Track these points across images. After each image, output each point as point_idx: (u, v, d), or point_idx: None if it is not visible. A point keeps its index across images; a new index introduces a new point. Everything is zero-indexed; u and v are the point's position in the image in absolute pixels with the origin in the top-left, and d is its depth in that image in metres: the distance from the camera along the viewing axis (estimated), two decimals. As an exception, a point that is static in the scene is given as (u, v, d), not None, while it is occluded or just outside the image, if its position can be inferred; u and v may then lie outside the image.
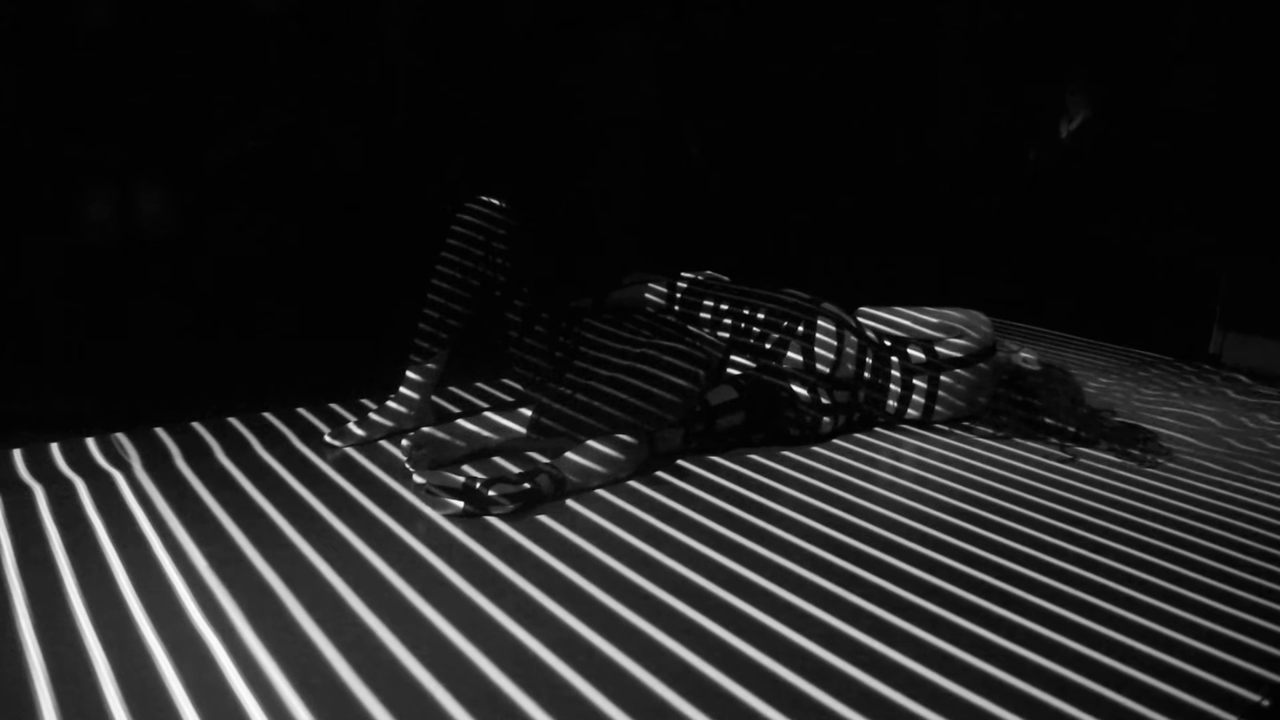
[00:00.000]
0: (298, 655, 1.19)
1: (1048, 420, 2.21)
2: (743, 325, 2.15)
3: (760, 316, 2.14)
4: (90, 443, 1.86)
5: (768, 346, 2.11)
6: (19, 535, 1.46)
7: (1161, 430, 2.30)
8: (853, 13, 4.07)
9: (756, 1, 3.83)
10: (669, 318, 2.17)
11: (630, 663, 1.21)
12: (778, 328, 2.12)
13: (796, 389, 2.08)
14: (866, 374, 2.16)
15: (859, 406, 2.18)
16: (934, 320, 2.23)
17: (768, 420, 2.04)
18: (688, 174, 3.69)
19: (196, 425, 1.99)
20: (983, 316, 2.27)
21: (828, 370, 2.11)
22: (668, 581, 1.43)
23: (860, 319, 2.26)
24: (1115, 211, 3.77)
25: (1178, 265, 3.47)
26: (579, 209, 3.42)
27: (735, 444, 2.02)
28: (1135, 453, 2.12)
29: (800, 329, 2.12)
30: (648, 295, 2.23)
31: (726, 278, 2.32)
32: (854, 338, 2.15)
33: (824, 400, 2.10)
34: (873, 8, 4.12)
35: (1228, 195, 3.39)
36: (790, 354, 2.10)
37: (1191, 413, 2.52)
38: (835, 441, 2.12)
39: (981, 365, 2.21)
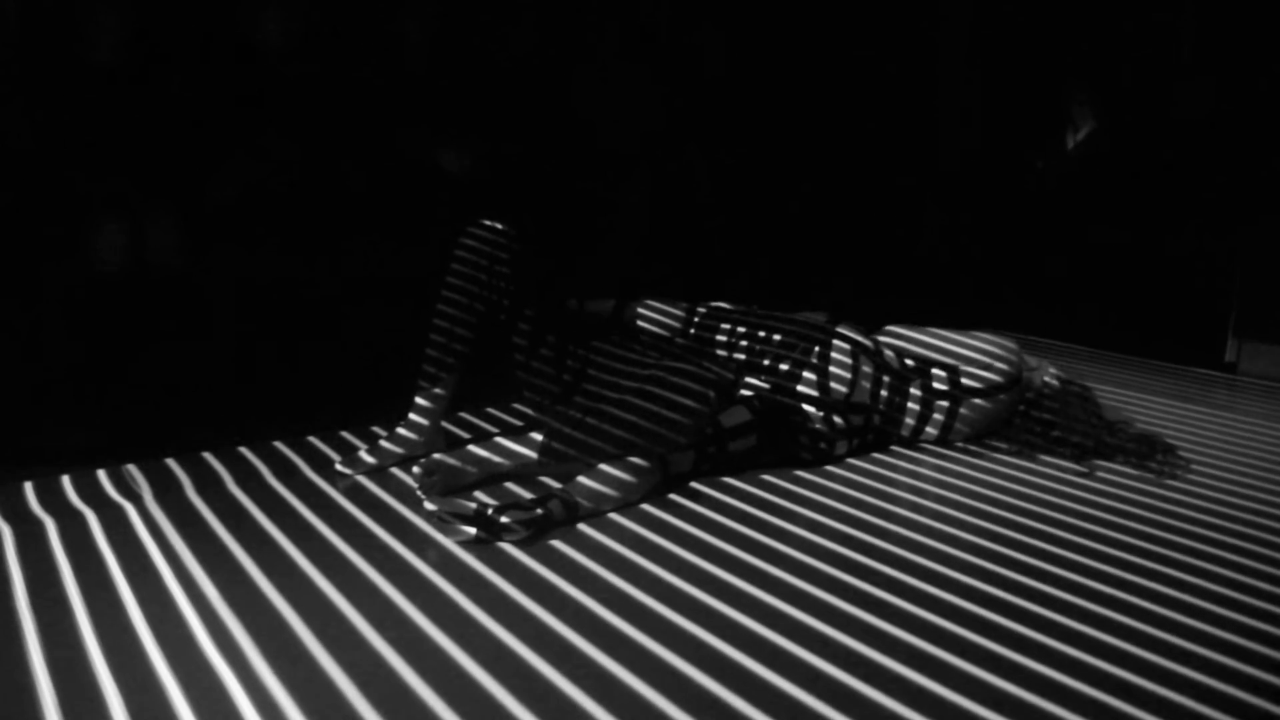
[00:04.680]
0: (310, 684, 1.17)
1: (1065, 438, 2.18)
2: (757, 348, 2.13)
3: (776, 338, 2.13)
4: (101, 474, 1.86)
5: (783, 368, 2.10)
6: (30, 568, 1.46)
7: (1180, 442, 2.27)
8: (852, 31, 4.08)
9: (757, 31, 3.85)
10: (680, 340, 2.17)
11: (646, 688, 1.20)
12: (793, 350, 2.11)
13: (810, 411, 2.07)
14: (883, 395, 2.14)
15: (874, 428, 2.16)
16: (963, 348, 2.20)
17: (781, 443, 2.03)
18: (696, 198, 3.69)
19: (207, 455, 1.99)
20: (1012, 345, 2.23)
21: (844, 392, 2.09)
22: (683, 605, 1.42)
23: (885, 337, 2.24)
24: (1124, 218, 3.75)
25: (1191, 270, 3.45)
26: (588, 232, 3.43)
27: (748, 466, 2.01)
28: (1154, 465, 2.10)
29: (816, 350, 2.10)
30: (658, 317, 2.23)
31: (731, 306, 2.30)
32: (870, 362, 2.12)
33: (838, 422, 2.08)
34: (872, 22, 4.13)
35: (1235, 199, 3.37)
36: (805, 374, 2.09)
37: (1210, 422, 2.50)
38: (851, 461, 2.11)
39: (1003, 396, 2.18)
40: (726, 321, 2.20)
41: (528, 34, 3.37)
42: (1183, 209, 3.60)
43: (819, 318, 2.20)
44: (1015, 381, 2.19)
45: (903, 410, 2.16)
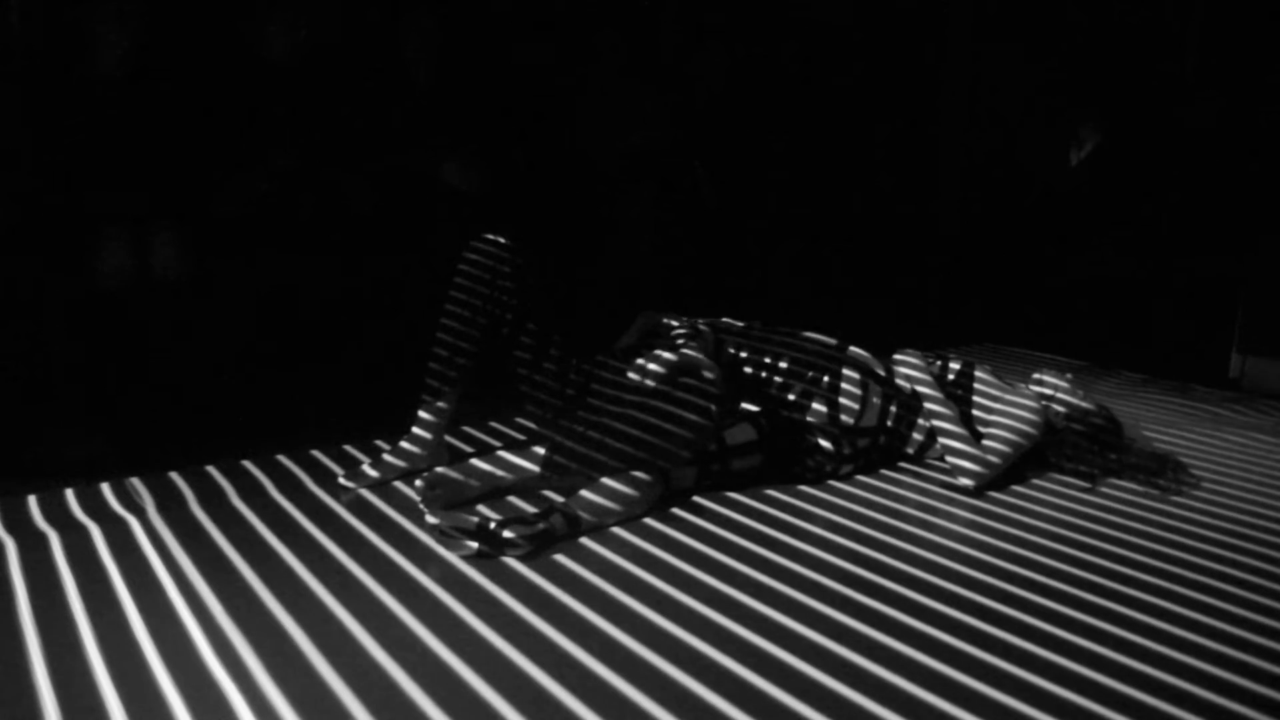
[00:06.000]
0: (313, 699, 1.17)
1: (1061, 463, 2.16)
2: (764, 374, 2.09)
3: (783, 365, 2.10)
4: (105, 488, 1.86)
5: (791, 397, 2.07)
6: (35, 582, 1.46)
7: (1186, 458, 2.26)
8: (853, 45, 4.10)
9: (756, 46, 3.88)
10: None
11: (650, 702, 1.19)
12: (802, 378, 2.07)
13: (819, 438, 2.04)
14: (891, 411, 2.11)
15: (880, 447, 2.14)
16: (990, 414, 2.14)
17: (786, 463, 2.02)
18: (700, 212, 3.70)
19: (210, 469, 1.99)
20: (1038, 415, 2.12)
21: (851, 421, 2.06)
22: (684, 618, 1.41)
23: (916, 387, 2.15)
24: (1127, 235, 3.75)
25: (1195, 287, 3.44)
26: (591, 247, 3.44)
27: (751, 484, 2.00)
28: (1161, 482, 2.08)
29: (826, 379, 2.06)
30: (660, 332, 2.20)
31: (740, 323, 2.27)
32: (878, 388, 2.10)
33: (845, 450, 2.06)
34: (874, 38, 4.15)
35: (1240, 214, 3.37)
36: (815, 404, 2.06)
37: (1219, 438, 2.49)
38: (857, 476, 2.09)
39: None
40: (733, 340, 2.15)
41: (531, 47, 3.39)
42: (1186, 224, 3.60)
43: (827, 340, 2.16)
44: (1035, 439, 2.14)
45: (911, 427, 2.14)
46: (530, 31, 3.38)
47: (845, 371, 2.08)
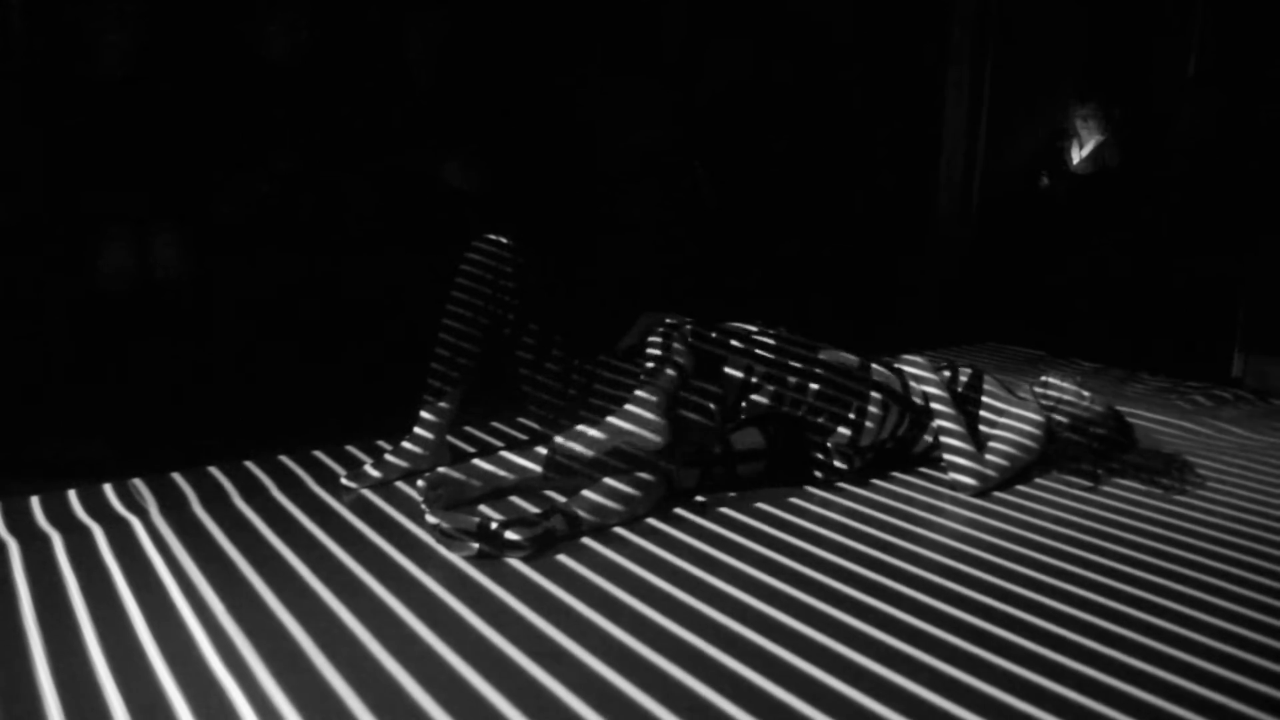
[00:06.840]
0: (316, 699, 1.17)
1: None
2: (788, 396, 1.99)
3: (813, 388, 1.99)
4: (107, 489, 1.86)
5: (820, 420, 2.00)
6: (38, 583, 1.46)
7: (1192, 457, 2.26)
8: (856, 47, 4.10)
9: (761, 49, 3.88)
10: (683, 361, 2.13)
11: (651, 702, 1.19)
12: (831, 403, 1.99)
13: (829, 451, 2.03)
14: (907, 419, 2.10)
15: (886, 451, 2.12)
16: (996, 425, 2.13)
17: (792, 469, 2.01)
18: (700, 212, 3.70)
19: (213, 470, 1.99)
20: (1041, 428, 2.12)
21: (870, 440, 2.03)
22: (687, 618, 1.41)
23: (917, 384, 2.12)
24: (1128, 236, 3.76)
25: (1196, 288, 3.44)
26: (591, 247, 3.44)
27: (755, 486, 1.99)
28: (1165, 481, 2.08)
29: (854, 406, 2.00)
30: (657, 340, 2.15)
31: (752, 328, 2.14)
32: (898, 406, 2.06)
33: (856, 463, 2.05)
34: (876, 39, 4.15)
35: (1242, 215, 3.37)
36: (841, 429, 2.00)
37: (1221, 438, 2.49)
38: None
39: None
40: (747, 357, 2.03)
41: (531, 47, 3.39)
42: (1186, 224, 3.60)
43: (849, 358, 2.07)
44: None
45: (922, 428, 2.11)
46: (530, 31, 3.38)
47: (871, 407, 2.01)
